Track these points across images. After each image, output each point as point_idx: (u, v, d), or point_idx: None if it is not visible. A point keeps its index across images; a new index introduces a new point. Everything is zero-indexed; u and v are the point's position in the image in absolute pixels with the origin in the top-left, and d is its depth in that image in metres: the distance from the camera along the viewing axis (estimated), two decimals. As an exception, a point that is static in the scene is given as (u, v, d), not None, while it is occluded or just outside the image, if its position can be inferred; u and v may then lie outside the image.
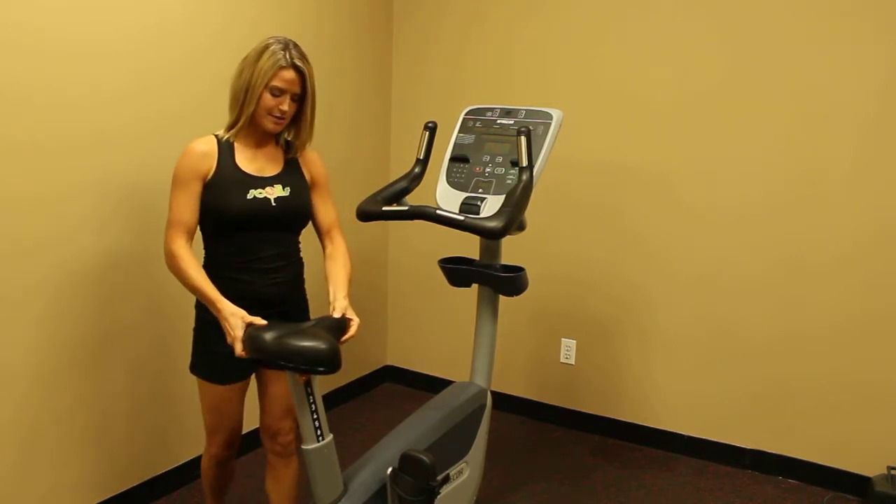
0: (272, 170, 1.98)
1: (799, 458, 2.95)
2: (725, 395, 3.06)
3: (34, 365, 2.22)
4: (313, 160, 2.10)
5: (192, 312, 2.02)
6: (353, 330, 1.90)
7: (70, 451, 2.36)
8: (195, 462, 2.77)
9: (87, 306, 2.35)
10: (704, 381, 3.10)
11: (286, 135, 2.03)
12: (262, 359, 1.73)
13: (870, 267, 2.75)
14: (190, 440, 2.77)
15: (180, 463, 2.75)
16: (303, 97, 1.95)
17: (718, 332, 3.05)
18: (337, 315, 1.89)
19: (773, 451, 3.00)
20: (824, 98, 2.75)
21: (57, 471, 2.33)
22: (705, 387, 3.10)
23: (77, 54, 2.22)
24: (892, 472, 2.70)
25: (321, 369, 1.65)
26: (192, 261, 1.87)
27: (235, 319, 1.79)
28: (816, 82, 2.75)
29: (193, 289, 1.86)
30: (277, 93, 1.88)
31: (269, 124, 1.92)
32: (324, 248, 2.13)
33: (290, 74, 1.88)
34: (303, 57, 1.91)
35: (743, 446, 3.05)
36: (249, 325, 1.78)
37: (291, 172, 2.02)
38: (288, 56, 1.87)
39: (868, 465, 2.81)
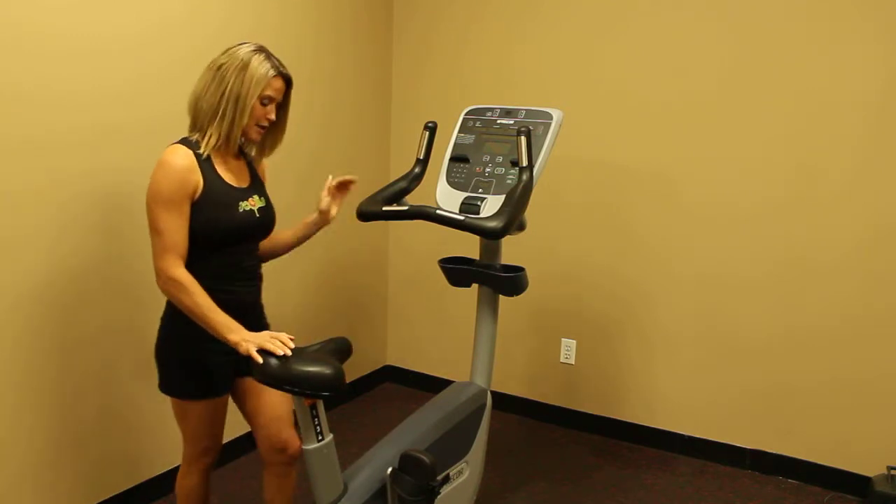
0: (244, 180, 1.95)
1: (799, 458, 2.95)
2: (725, 395, 3.06)
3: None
4: (265, 167, 2.09)
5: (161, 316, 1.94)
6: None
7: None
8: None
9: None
10: (705, 381, 3.10)
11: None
12: (268, 384, 1.72)
13: (870, 267, 2.75)
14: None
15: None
16: (283, 104, 1.94)
17: (718, 332, 3.05)
18: (323, 205, 2.04)
19: (773, 451, 3.00)
20: (824, 98, 2.75)
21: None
22: (705, 387, 3.10)
23: (77, 53, 2.22)
24: (892, 472, 2.70)
25: (326, 394, 1.66)
26: (198, 288, 1.76)
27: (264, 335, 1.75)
28: (816, 82, 2.75)
29: (203, 318, 1.75)
30: (267, 101, 1.86)
31: (255, 134, 1.89)
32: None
33: (280, 83, 1.88)
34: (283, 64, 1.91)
35: (743, 446, 3.05)
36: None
37: (258, 182, 2.01)
38: (275, 62, 1.86)
39: (868, 465, 2.81)
